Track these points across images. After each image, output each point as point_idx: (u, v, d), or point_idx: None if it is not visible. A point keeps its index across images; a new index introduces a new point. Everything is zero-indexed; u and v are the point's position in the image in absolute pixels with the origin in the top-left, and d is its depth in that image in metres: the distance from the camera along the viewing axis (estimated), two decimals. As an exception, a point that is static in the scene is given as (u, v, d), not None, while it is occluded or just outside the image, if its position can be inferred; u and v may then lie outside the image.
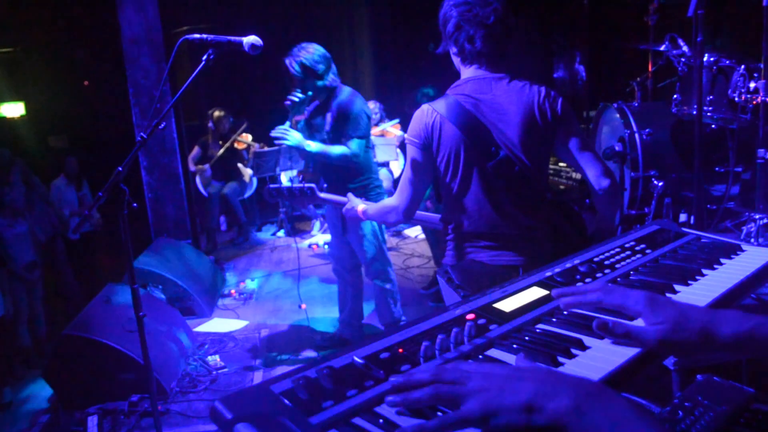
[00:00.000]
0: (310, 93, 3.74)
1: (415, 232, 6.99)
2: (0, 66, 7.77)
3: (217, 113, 7.35)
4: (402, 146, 6.66)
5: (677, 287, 1.36)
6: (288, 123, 3.80)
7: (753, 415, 1.14)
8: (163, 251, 5.52)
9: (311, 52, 3.69)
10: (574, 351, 1.07)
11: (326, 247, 6.76)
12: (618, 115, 4.91)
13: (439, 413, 0.84)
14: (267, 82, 8.42)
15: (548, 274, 1.43)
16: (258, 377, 4.02)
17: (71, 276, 5.79)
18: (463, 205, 2.27)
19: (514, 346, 1.09)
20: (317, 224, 7.52)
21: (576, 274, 1.43)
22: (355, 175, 3.77)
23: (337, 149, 3.69)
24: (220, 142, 7.38)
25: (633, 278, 1.43)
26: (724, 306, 1.33)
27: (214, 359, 4.19)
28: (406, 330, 1.12)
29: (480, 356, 1.07)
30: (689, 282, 1.39)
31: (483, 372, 0.84)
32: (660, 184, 4.50)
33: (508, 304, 1.25)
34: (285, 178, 7.24)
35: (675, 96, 4.57)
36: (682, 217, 4.71)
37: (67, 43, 7.63)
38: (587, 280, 1.40)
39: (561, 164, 6.23)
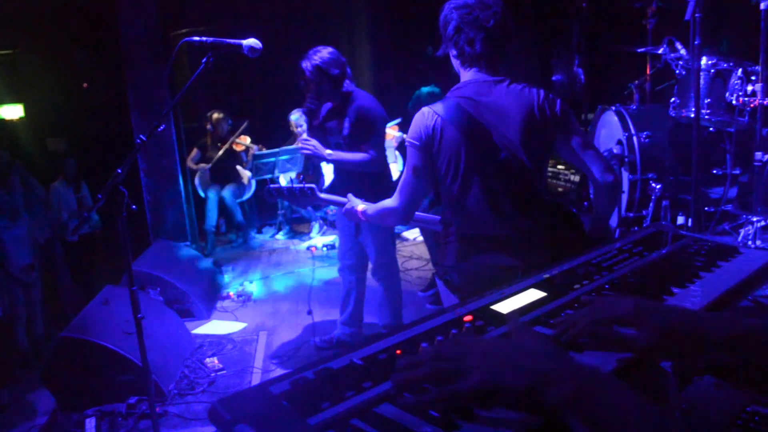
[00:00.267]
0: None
1: (414, 234, 6.99)
2: (-1, 68, 7.79)
3: (215, 115, 7.35)
4: (401, 147, 6.66)
5: (674, 290, 1.37)
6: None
7: (750, 416, 1.14)
8: (162, 253, 5.52)
9: (327, 55, 3.68)
10: (570, 354, 1.08)
11: (324, 249, 6.76)
12: (616, 118, 4.93)
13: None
14: (266, 85, 8.42)
15: (546, 276, 1.44)
16: (256, 379, 4.02)
17: (69, 278, 5.78)
18: (462, 207, 2.28)
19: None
20: (316, 226, 7.53)
21: (574, 276, 1.44)
22: (375, 180, 3.74)
23: (356, 155, 3.68)
24: (219, 144, 7.38)
25: (630, 281, 1.43)
26: (720, 308, 1.34)
27: (212, 361, 4.19)
28: (405, 332, 1.12)
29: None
30: (686, 284, 1.40)
31: (483, 349, 0.83)
32: (658, 186, 4.51)
33: (505, 306, 1.26)
34: (284, 181, 7.24)
35: (673, 99, 4.59)
36: (680, 220, 4.73)
37: (67, 45, 7.64)
38: (584, 282, 1.41)
39: (559, 167, 6.23)
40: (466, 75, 2.27)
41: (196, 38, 2.40)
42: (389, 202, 2.44)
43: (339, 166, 3.84)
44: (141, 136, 2.48)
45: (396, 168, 6.77)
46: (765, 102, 4.03)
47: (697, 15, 3.72)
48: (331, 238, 7.04)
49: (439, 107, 2.23)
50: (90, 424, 3.47)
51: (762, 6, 3.93)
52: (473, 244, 2.29)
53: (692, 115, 3.92)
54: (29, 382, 4.32)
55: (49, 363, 3.81)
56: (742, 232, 4.20)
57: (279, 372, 3.96)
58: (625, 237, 1.73)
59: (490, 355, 0.82)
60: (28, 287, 4.89)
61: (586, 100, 6.04)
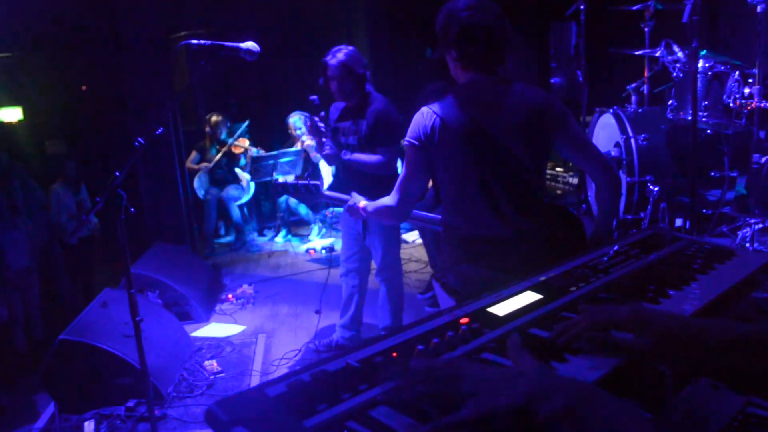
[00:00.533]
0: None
1: (413, 237, 7.00)
2: (-2, 71, 7.79)
3: (214, 118, 7.36)
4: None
5: (670, 292, 1.37)
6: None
7: (747, 418, 1.15)
8: (161, 256, 5.52)
9: (352, 53, 3.69)
10: (567, 356, 1.08)
11: (323, 251, 6.77)
12: (614, 121, 4.94)
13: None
14: (264, 87, 8.43)
15: (542, 278, 1.45)
16: (255, 382, 4.01)
17: (68, 280, 5.78)
18: (461, 207, 2.29)
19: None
20: (315, 229, 7.53)
21: (570, 279, 1.44)
22: (376, 182, 3.65)
23: (372, 157, 3.68)
24: (218, 147, 7.39)
25: (626, 283, 1.44)
26: (717, 310, 1.35)
27: (211, 364, 4.19)
28: (401, 334, 1.13)
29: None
30: (682, 287, 1.40)
31: (476, 374, 0.84)
32: (656, 189, 4.52)
33: (501, 309, 1.26)
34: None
35: (670, 101, 4.60)
36: (678, 222, 4.74)
37: (66, 48, 7.64)
38: (581, 284, 1.41)
39: (558, 169, 6.25)
40: (466, 76, 2.28)
41: (194, 41, 2.41)
42: (387, 200, 2.45)
43: (354, 168, 3.79)
44: (139, 139, 2.49)
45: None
46: (762, 104, 4.05)
47: (694, 18, 3.73)
48: (330, 240, 7.04)
49: (438, 107, 2.24)
50: (89, 427, 3.47)
51: (759, 9, 3.95)
52: (471, 245, 2.29)
53: (690, 118, 3.92)
54: (28, 385, 4.31)
55: (48, 366, 3.81)
56: (740, 234, 4.21)
57: (278, 375, 3.97)
58: (622, 239, 1.74)
59: (482, 381, 0.82)
60: (27, 290, 4.89)
61: (584, 102, 6.04)
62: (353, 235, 4.01)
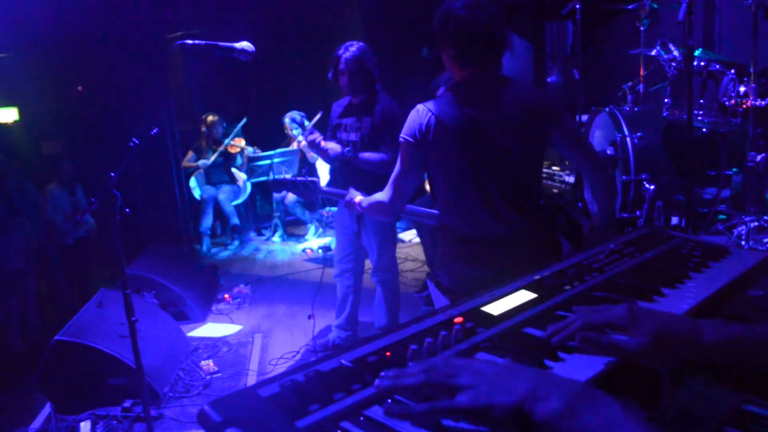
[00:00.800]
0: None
1: (410, 236, 7.00)
2: (-7, 71, 7.76)
3: (210, 118, 7.35)
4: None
5: (664, 290, 1.37)
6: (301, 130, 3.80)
7: (742, 416, 1.15)
8: (157, 256, 5.51)
9: (365, 48, 3.68)
10: (561, 354, 1.08)
11: (320, 251, 6.76)
12: (610, 119, 4.94)
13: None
14: (261, 87, 8.42)
15: (537, 277, 1.45)
16: (251, 382, 4.01)
17: (64, 281, 5.77)
18: (456, 206, 2.29)
19: (502, 349, 1.10)
20: (311, 228, 7.53)
21: (564, 277, 1.44)
22: (374, 182, 3.68)
23: (375, 155, 3.66)
24: (214, 147, 7.38)
25: (621, 281, 1.44)
26: (711, 308, 1.35)
27: (207, 364, 4.18)
28: (394, 334, 1.13)
29: (467, 359, 1.08)
30: (676, 285, 1.40)
31: (474, 369, 0.84)
32: (651, 187, 4.52)
33: (496, 308, 1.26)
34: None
35: (666, 100, 4.61)
36: (674, 221, 4.74)
37: (61, 48, 7.62)
38: (575, 283, 1.41)
39: (554, 168, 6.24)
40: (462, 75, 2.28)
41: (189, 41, 2.40)
42: (380, 196, 2.46)
43: (356, 166, 3.75)
44: (134, 139, 2.48)
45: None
46: (757, 103, 4.06)
47: (690, 16, 3.73)
48: (327, 239, 7.04)
49: (433, 105, 2.24)
50: (85, 427, 3.46)
51: (753, 7, 3.96)
52: (466, 244, 2.29)
53: (685, 117, 3.93)
54: (24, 386, 4.30)
55: (44, 366, 3.80)
56: (736, 232, 4.22)
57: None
58: (616, 238, 1.74)
59: (481, 375, 0.83)
60: (23, 291, 4.88)
61: (580, 101, 6.05)
62: (348, 235, 4.00)
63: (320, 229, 7.51)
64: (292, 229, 7.88)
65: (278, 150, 7.08)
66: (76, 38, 6.94)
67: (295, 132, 7.18)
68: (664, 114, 4.62)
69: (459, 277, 2.27)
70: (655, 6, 5.22)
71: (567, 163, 5.67)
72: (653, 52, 4.83)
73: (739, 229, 4.21)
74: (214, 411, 0.85)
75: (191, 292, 5.18)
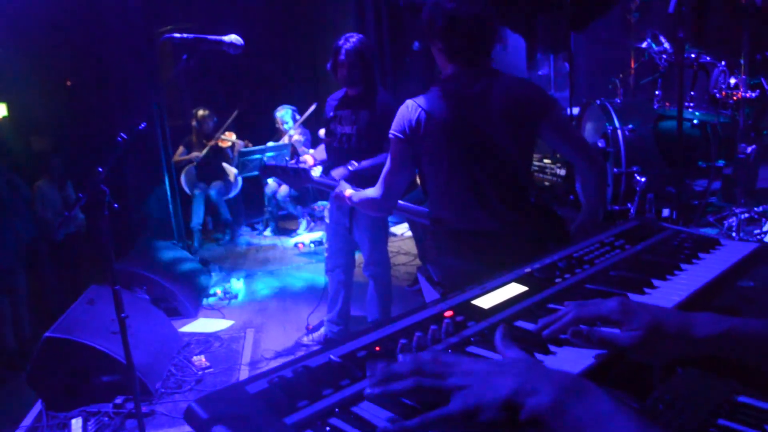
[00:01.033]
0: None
1: (402, 230, 6.99)
2: (-20, 67, 7.68)
3: (200, 112, 7.31)
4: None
5: (655, 282, 1.37)
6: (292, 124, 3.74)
7: (735, 407, 1.15)
8: (148, 252, 5.48)
9: (365, 40, 3.65)
10: (552, 348, 1.08)
11: (312, 245, 6.75)
12: (601, 112, 4.95)
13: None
14: (251, 81, 8.37)
15: (527, 270, 1.44)
16: (244, 377, 3.99)
17: (55, 277, 5.73)
18: (447, 200, 2.28)
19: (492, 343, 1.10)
20: (303, 223, 7.51)
21: (555, 270, 1.44)
22: (368, 180, 3.61)
23: (378, 157, 3.57)
24: (205, 141, 7.34)
25: (612, 274, 1.43)
26: (702, 299, 1.35)
27: (199, 359, 4.17)
28: (384, 328, 1.12)
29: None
30: (667, 277, 1.40)
31: (463, 368, 0.83)
32: (642, 179, 4.53)
33: (486, 301, 1.25)
34: (270, 180, 7.21)
35: (657, 92, 4.61)
36: (665, 212, 4.76)
37: (50, 43, 7.55)
38: (566, 275, 1.41)
39: (546, 161, 6.24)
40: (451, 68, 2.27)
41: (177, 35, 2.38)
42: (371, 192, 2.46)
43: (366, 174, 3.59)
44: (122, 134, 2.46)
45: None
46: (748, 95, 4.06)
47: (680, 9, 3.73)
48: (319, 234, 7.02)
49: (422, 100, 2.23)
50: (76, 424, 3.44)
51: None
52: (457, 238, 2.28)
53: (676, 108, 3.93)
54: (15, 383, 4.28)
55: (35, 364, 3.77)
56: (726, 224, 4.23)
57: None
58: (606, 230, 1.73)
59: (471, 374, 0.82)
60: (13, 288, 4.84)
61: (571, 94, 6.05)
62: (340, 230, 3.98)
63: (312, 224, 7.49)
64: (284, 223, 7.85)
65: (269, 144, 7.05)
66: (64, 33, 6.88)
67: (286, 126, 7.15)
68: (655, 106, 4.63)
69: (450, 270, 2.26)
70: (646, -2, 5.23)
71: (558, 155, 5.67)
72: (644, 45, 4.84)
73: (730, 220, 4.22)
74: (201, 408, 0.84)
75: (183, 288, 5.16)
